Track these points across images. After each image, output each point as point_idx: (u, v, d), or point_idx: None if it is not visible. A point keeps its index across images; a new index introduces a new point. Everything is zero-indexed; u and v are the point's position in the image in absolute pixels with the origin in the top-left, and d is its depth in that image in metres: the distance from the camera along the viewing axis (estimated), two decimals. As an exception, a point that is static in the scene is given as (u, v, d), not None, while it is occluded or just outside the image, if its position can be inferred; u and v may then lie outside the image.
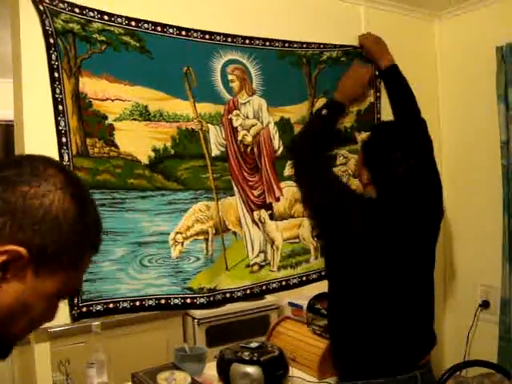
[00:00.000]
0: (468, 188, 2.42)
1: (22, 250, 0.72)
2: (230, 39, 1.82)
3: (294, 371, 1.89)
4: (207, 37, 1.77)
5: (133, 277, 1.61)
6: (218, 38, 1.79)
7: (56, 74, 1.49)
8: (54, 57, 1.48)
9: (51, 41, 1.47)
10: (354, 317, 1.70)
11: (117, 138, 1.59)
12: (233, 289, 1.80)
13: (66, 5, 1.50)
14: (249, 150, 1.86)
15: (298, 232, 1.96)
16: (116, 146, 1.59)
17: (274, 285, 1.91)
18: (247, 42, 1.86)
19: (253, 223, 1.86)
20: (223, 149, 1.80)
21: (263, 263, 1.88)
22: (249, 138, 1.86)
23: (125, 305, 1.60)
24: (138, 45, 1.63)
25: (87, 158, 1.55)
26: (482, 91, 2.31)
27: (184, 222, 1.70)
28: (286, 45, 1.94)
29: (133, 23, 1.62)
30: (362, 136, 2.07)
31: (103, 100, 1.57)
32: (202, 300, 1.70)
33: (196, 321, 3.02)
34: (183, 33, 1.72)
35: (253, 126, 1.87)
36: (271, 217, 1.90)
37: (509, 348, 2.18)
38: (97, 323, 1.75)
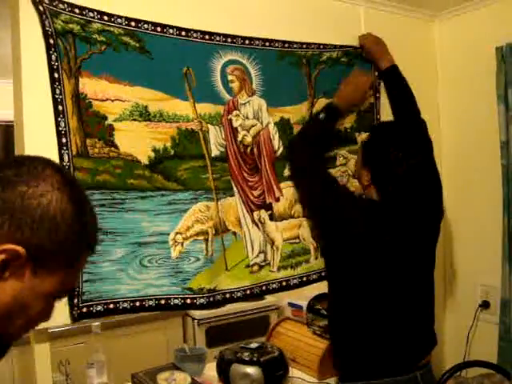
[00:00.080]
0: (468, 188, 2.42)
1: (20, 249, 0.73)
2: (229, 39, 1.82)
3: (293, 372, 1.90)
4: (207, 37, 1.77)
5: (133, 277, 1.61)
6: (217, 38, 1.79)
7: (56, 75, 1.49)
8: (53, 57, 1.48)
9: (51, 41, 1.48)
10: (354, 317, 1.70)
11: (117, 138, 1.59)
12: (233, 289, 1.80)
13: (65, 5, 1.50)
14: (248, 150, 1.86)
15: (298, 232, 1.96)
16: (116, 147, 1.59)
17: (274, 285, 1.91)
18: (247, 42, 1.86)
19: (253, 223, 1.86)
20: (223, 149, 1.80)
21: (263, 263, 1.88)
22: (248, 139, 1.86)
23: (125, 305, 1.60)
24: (137, 45, 1.63)
25: (87, 159, 1.55)
26: (482, 91, 2.31)
27: (184, 222, 1.70)
28: (286, 45, 1.95)
29: (132, 23, 1.62)
30: (362, 136, 2.07)
31: (103, 100, 1.57)
32: (201, 300, 1.70)
33: (196, 321, 3.03)
34: (183, 33, 1.72)
35: (252, 126, 1.87)
36: (271, 217, 1.90)
37: (509, 348, 2.18)
38: (97, 324, 1.75)
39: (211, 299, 1.73)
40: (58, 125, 1.50)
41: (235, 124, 1.83)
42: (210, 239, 1.74)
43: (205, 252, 1.73)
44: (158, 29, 1.67)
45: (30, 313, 0.79)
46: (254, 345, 1.84)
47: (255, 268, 1.86)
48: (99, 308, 1.56)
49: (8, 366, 2.61)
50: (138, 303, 1.62)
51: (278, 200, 1.91)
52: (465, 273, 2.50)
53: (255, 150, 1.88)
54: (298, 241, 1.96)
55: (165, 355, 2.68)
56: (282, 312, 3.09)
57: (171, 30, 1.69)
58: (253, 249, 1.86)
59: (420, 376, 1.66)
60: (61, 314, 1.50)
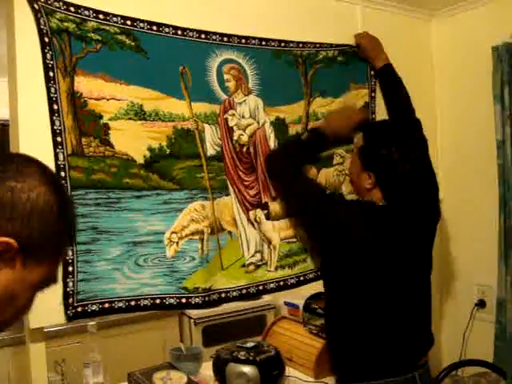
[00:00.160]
0: (464, 188, 2.42)
1: (12, 241, 0.76)
2: (225, 39, 1.81)
3: (290, 371, 1.89)
4: (203, 36, 1.76)
5: (128, 276, 1.60)
6: (213, 37, 1.79)
7: (51, 73, 1.49)
8: (49, 56, 1.48)
9: (46, 40, 1.47)
10: (352, 319, 1.69)
11: (112, 137, 1.59)
12: (228, 289, 1.79)
13: (61, 4, 1.49)
14: (244, 149, 1.86)
15: (295, 231, 1.96)
16: (111, 146, 1.59)
17: (272, 285, 1.91)
18: (243, 41, 1.85)
19: (248, 223, 1.85)
20: (219, 148, 1.80)
21: (260, 263, 1.88)
22: (244, 138, 1.86)
23: (120, 304, 1.59)
24: (133, 44, 1.62)
25: (82, 158, 1.55)
26: (478, 91, 2.32)
27: (179, 221, 1.70)
28: (282, 44, 1.94)
29: (128, 22, 1.62)
30: (358, 136, 2.06)
31: (98, 99, 1.57)
32: (197, 300, 1.70)
33: (192, 320, 3.02)
34: (179, 32, 1.71)
35: (249, 125, 1.87)
36: (267, 216, 1.90)
37: (504, 347, 2.18)
38: (92, 323, 1.75)
39: (206, 299, 1.72)
40: (53, 123, 1.49)
41: (231, 123, 1.82)
42: (205, 239, 1.74)
43: (200, 251, 1.73)
44: (154, 28, 1.67)
45: (19, 303, 0.82)
46: (250, 344, 1.83)
47: (251, 268, 1.86)
48: (94, 307, 1.55)
49: (4, 366, 2.61)
50: (133, 302, 1.61)
51: (274, 199, 1.91)
52: (461, 272, 2.51)
53: (251, 149, 1.88)
54: (294, 240, 1.96)
55: (161, 354, 2.67)
56: (279, 311, 3.09)
57: (167, 29, 1.69)
58: (249, 248, 1.85)
59: (418, 376, 1.66)
60: (56, 313, 1.50)
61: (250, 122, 1.87)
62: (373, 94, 2.18)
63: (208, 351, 2.07)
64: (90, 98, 1.56)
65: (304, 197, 1.76)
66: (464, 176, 2.44)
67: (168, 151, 1.69)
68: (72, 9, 1.52)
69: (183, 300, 1.69)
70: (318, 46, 2.03)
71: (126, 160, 1.61)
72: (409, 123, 1.95)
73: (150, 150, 1.65)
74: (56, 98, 1.49)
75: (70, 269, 1.51)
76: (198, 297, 1.70)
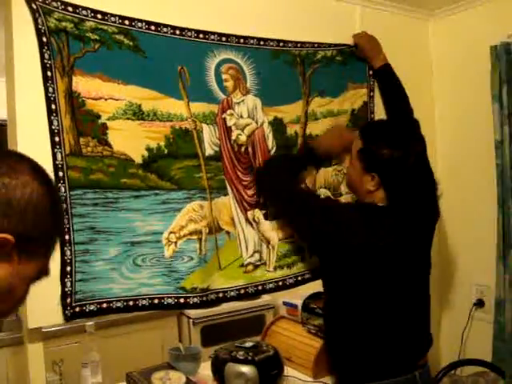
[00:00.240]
0: (463, 187, 2.42)
1: (9, 237, 0.78)
2: (224, 38, 1.81)
3: (289, 371, 1.89)
4: (201, 36, 1.76)
5: (126, 276, 1.60)
6: (212, 37, 1.79)
7: (49, 73, 1.49)
8: (46, 55, 1.48)
9: (44, 39, 1.47)
10: (353, 321, 1.68)
11: (110, 137, 1.59)
12: (226, 288, 1.79)
13: (58, 3, 1.49)
14: (243, 149, 1.86)
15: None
16: (109, 146, 1.59)
17: (271, 285, 1.91)
18: (241, 41, 1.85)
19: (246, 223, 1.85)
20: (217, 148, 1.80)
21: (258, 263, 1.88)
22: (243, 138, 1.86)
23: (118, 304, 1.59)
24: (131, 44, 1.62)
25: (80, 157, 1.54)
26: (477, 90, 2.32)
27: (177, 221, 1.69)
28: (281, 44, 1.94)
29: (126, 22, 1.62)
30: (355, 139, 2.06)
31: (96, 99, 1.57)
32: (195, 300, 1.70)
33: (191, 320, 3.02)
34: (177, 32, 1.71)
35: (247, 125, 1.87)
36: (266, 216, 1.89)
37: (503, 347, 2.18)
38: (91, 323, 1.75)
39: (204, 298, 1.72)
40: (50, 123, 1.49)
41: (229, 123, 1.82)
42: (203, 238, 1.74)
43: (198, 251, 1.73)
44: (152, 27, 1.67)
45: (15, 296, 0.85)
46: (248, 344, 1.83)
47: (250, 268, 1.86)
48: (92, 307, 1.55)
49: (2, 366, 2.61)
50: (131, 302, 1.61)
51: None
52: (460, 272, 2.51)
53: (250, 149, 1.88)
54: (293, 239, 1.95)
55: (160, 355, 2.67)
56: (278, 311, 3.09)
57: (165, 29, 1.69)
58: (247, 248, 1.85)
59: (419, 376, 1.66)
60: (54, 313, 1.50)
61: (248, 121, 1.87)
62: (371, 94, 2.18)
63: (207, 351, 2.07)
64: (88, 98, 1.55)
65: (298, 206, 1.73)
66: (462, 176, 2.44)
67: (166, 151, 1.69)
68: (70, 8, 1.52)
69: (181, 300, 1.69)
70: (316, 45, 2.03)
71: (124, 160, 1.61)
72: (407, 123, 1.94)
73: (148, 149, 1.65)
74: (54, 97, 1.49)
75: (68, 269, 1.51)
76: (196, 297, 1.70)
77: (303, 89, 2.00)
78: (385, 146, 1.63)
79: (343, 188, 2.08)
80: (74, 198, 1.52)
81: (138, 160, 1.63)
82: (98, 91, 1.57)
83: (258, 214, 1.87)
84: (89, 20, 1.55)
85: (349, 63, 2.11)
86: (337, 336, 1.75)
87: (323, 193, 2.05)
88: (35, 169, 0.84)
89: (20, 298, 0.86)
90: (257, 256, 1.87)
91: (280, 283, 1.92)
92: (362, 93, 2.16)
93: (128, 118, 1.62)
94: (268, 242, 1.90)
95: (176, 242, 1.69)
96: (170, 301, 1.67)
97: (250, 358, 1.73)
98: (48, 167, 1.42)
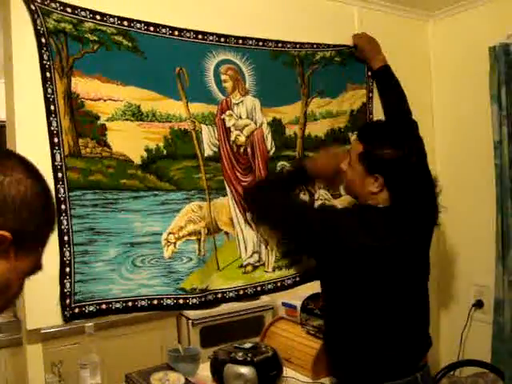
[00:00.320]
0: (461, 188, 2.42)
1: (7, 234, 0.79)
2: (223, 39, 1.81)
3: (287, 371, 1.89)
4: (200, 37, 1.76)
5: (125, 277, 1.60)
6: (210, 38, 1.79)
7: (48, 74, 1.48)
8: (45, 56, 1.48)
9: (43, 40, 1.47)
10: (353, 323, 1.66)
11: (109, 138, 1.59)
12: (225, 289, 1.79)
13: (57, 4, 1.49)
14: (242, 150, 1.86)
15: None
16: (108, 146, 1.59)
17: (270, 286, 1.90)
18: (240, 42, 1.85)
19: (245, 223, 1.85)
20: (216, 149, 1.80)
21: (257, 264, 1.88)
22: (242, 139, 1.86)
23: (117, 305, 1.59)
24: (130, 45, 1.62)
25: (79, 159, 1.54)
26: (476, 91, 2.32)
27: (176, 222, 1.69)
28: (280, 45, 1.94)
29: (125, 23, 1.62)
30: (354, 141, 2.04)
31: (95, 100, 1.57)
32: (194, 300, 1.70)
33: (190, 321, 3.02)
34: (176, 33, 1.71)
35: (246, 126, 1.87)
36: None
37: (502, 347, 2.18)
38: (90, 324, 1.74)
39: (203, 299, 1.72)
40: (49, 124, 1.49)
41: (228, 124, 1.82)
42: (202, 239, 1.74)
43: (197, 252, 1.73)
44: (151, 28, 1.67)
45: (12, 291, 0.87)
46: (247, 345, 1.83)
47: (249, 268, 1.85)
48: (91, 308, 1.55)
49: (1, 368, 2.60)
50: (130, 303, 1.61)
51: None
52: (459, 272, 2.51)
53: (249, 149, 1.88)
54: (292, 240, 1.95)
55: (159, 356, 2.68)
56: (277, 312, 3.09)
57: (164, 30, 1.69)
58: (246, 249, 1.85)
59: (420, 377, 1.66)
60: (53, 314, 1.50)
61: (247, 122, 1.87)
62: (370, 95, 2.18)
63: (206, 352, 2.07)
64: (87, 99, 1.55)
65: (295, 218, 1.70)
66: (461, 176, 2.44)
67: (165, 152, 1.69)
68: (69, 9, 1.52)
69: (180, 301, 1.69)
70: (315, 46, 2.03)
71: (123, 161, 1.61)
72: (405, 124, 1.94)
73: (147, 150, 1.65)
74: (53, 98, 1.49)
75: (68, 270, 1.51)
76: (195, 297, 1.70)
77: (302, 89, 2.01)
78: (386, 146, 1.62)
79: (342, 189, 2.07)
80: (73, 199, 1.52)
81: (137, 161, 1.63)
82: (96, 92, 1.57)
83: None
84: (88, 21, 1.55)
85: (348, 64, 2.11)
86: (337, 338, 1.74)
87: (322, 194, 2.05)
88: (26, 165, 0.86)
89: (15, 293, 0.88)
90: (256, 257, 1.87)
91: (279, 284, 1.92)
92: (361, 94, 2.16)
93: (127, 119, 1.62)
94: (267, 243, 1.90)
95: (175, 243, 1.69)
96: (169, 301, 1.67)
97: (248, 358, 1.73)
98: (47, 168, 1.46)
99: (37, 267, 0.90)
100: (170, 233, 1.68)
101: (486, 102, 2.22)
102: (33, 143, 1.48)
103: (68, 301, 1.51)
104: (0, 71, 1.58)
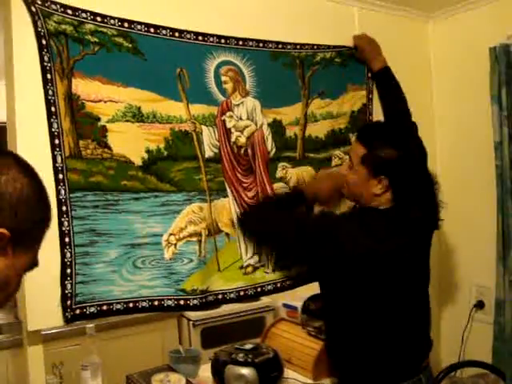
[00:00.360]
0: (462, 189, 2.42)
1: (5, 231, 0.81)
2: (223, 40, 1.82)
3: (288, 373, 1.90)
4: (200, 38, 1.76)
5: (126, 278, 1.60)
6: (211, 39, 1.79)
7: (48, 76, 1.49)
8: (46, 58, 1.48)
9: (43, 42, 1.47)
10: (356, 326, 1.65)
11: (110, 139, 1.59)
12: (225, 290, 1.79)
13: (58, 6, 1.50)
14: (242, 151, 1.86)
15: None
16: (109, 148, 1.59)
17: (270, 286, 1.90)
18: (240, 43, 1.86)
19: (246, 224, 1.85)
20: (216, 150, 1.80)
21: (258, 265, 1.88)
22: (242, 140, 1.86)
23: (118, 306, 1.59)
24: (130, 46, 1.63)
25: (80, 160, 1.54)
26: (476, 92, 2.32)
27: (177, 223, 1.69)
28: (280, 46, 1.95)
29: (126, 24, 1.62)
30: (354, 144, 2.03)
31: (96, 101, 1.57)
32: (195, 301, 1.70)
33: (191, 322, 3.02)
34: (176, 34, 1.72)
35: (246, 127, 1.87)
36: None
37: (503, 348, 2.18)
38: (91, 325, 1.74)
39: (204, 300, 1.72)
40: (50, 126, 1.49)
41: (229, 125, 1.82)
42: (203, 240, 1.74)
43: (198, 253, 1.73)
44: (151, 30, 1.67)
45: (10, 288, 0.89)
46: (248, 346, 1.83)
47: (249, 269, 1.85)
48: (92, 309, 1.55)
49: (2, 369, 2.61)
50: (131, 304, 1.61)
51: (271, 201, 1.90)
52: (459, 273, 2.51)
53: (249, 150, 1.88)
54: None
55: (160, 357, 2.67)
56: (278, 313, 3.09)
57: (164, 31, 1.69)
58: (246, 250, 1.85)
59: (424, 378, 1.65)
60: (54, 315, 1.50)
61: (247, 123, 1.88)
62: (370, 96, 2.18)
63: (207, 353, 2.08)
64: (88, 101, 1.56)
65: (292, 229, 1.68)
66: (462, 177, 2.44)
67: (166, 153, 1.69)
68: (69, 11, 1.52)
69: (181, 302, 1.69)
70: (315, 47, 2.03)
71: (124, 162, 1.61)
72: (405, 125, 1.94)
73: (148, 151, 1.65)
74: (53, 100, 1.49)
75: (68, 271, 1.51)
76: (195, 298, 1.70)
77: (302, 90, 2.01)
78: (389, 147, 1.61)
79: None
80: (73, 201, 1.52)
81: (138, 162, 1.63)
82: (97, 93, 1.57)
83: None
84: (88, 23, 1.55)
85: (348, 65, 2.12)
86: (339, 340, 1.73)
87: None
88: (21, 164, 0.87)
89: (13, 289, 0.90)
90: (256, 258, 1.87)
91: (279, 285, 1.92)
92: (361, 95, 2.16)
93: (127, 121, 1.62)
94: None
95: (176, 244, 1.69)
96: (169, 303, 1.67)
97: (249, 360, 1.73)
98: (48, 170, 1.46)
99: (34, 263, 0.92)
100: (170, 234, 1.68)
101: (487, 102, 2.22)
102: (33, 145, 1.48)
103: (69, 302, 1.51)
104: (1, 73, 1.58)
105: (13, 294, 0.91)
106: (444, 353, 2.55)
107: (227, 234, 1.82)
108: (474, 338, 2.40)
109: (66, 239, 1.50)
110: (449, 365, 2.21)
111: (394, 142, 1.63)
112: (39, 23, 1.46)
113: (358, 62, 2.14)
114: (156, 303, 1.65)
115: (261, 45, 1.90)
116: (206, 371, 1.87)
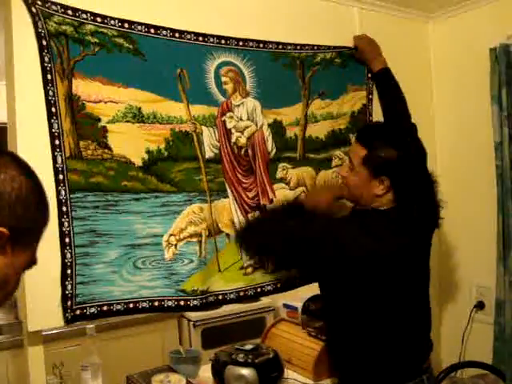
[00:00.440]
0: (462, 189, 2.42)
1: (4, 230, 0.82)
2: (223, 41, 1.82)
3: (289, 373, 1.89)
4: (200, 39, 1.77)
5: (126, 279, 1.60)
6: (211, 39, 1.79)
7: (49, 76, 1.49)
8: (46, 59, 1.48)
9: (44, 43, 1.47)
10: (357, 328, 1.65)
11: (110, 140, 1.59)
12: (225, 291, 1.79)
13: (58, 7, 1.50)
14: (242, 151, 1.86)
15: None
16: (109, 148, 1.59)
17: (269, 287, 1.91)
18: (241, 43, 1.86)
19: (246, 224, 1.85)
20: (217, 151, 1.80)
21: (257, 265, 1.88)
22: (243, 140, 1.86)
23: (118, 307, 1.59)
24: (131, 47, 1.63)
25: (80, 161, 1.55)
26: (476, 92, 2.32)
27: (177, 224, 1.70)
28: (280, 46, 1.95)
29: (126, 25, 1.62)
30: (354, 145, 2.03)
31: (96, 102, 1.57)
32: (195, 302, 1.70)
33: (192, 323, 3.01)
34: (176, 35, 1.72)
35: (247, 127, 1.87)
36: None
37: (503, 348, 2.18)
38: (91, 326, 1.75)
39: (204, 301, 1.72)
40: (51, 126, 1.49)
41: (229, 125, 1.83)
42: (203, 241, 1.74)
43: (198, 254, 1.73)
44: (152, 30, 1.67)
45: (10, 286, 0.89)
46: (248, 346, 1.83)
47: (249, 270, 1.86)
48: (93, 310, 1.55)
49: (2, 369, 2.60)
50: (131, 305, 1.61)
51: (271, 202, 1.91)
52: (460, 274, 2.51)
53: (250, 151, 1.88)
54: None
55: (160, 357, 2.67)
56: (278, 313, 3.09)
57: (164, 32, 1.69)
58: (247, 250, 1.85)
59: (426, 379, 1.65)
60: (54, 316, 1.50)
61: (247, 124, 1.88)
62: (370, 96, 2.18)
63: (207, 353, 2.07)
64: (88, 101, 1.56)
65: (292, 235, 1.65)
66: (462, 177, 2.44)
67: (166, 154, 1.69)
68: (70, 12, 1.52)
69: (181, 302, 1.69)
70: (315, 48, 2.03)
71: (124, 163, 1.61)
72: (404, 126, 1.94)
73: (148, 152, 1.65)
74: (54, 100, 1.49)
75: (69, 271, 1.51)
76: (196, 299, 1.70)
77: (303, 91, 2.01)
78: (390, 147, 1.61)
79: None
80: (74, 201, 1.52)
81: (138, 163, 1.63)
82: (97, 94, 1.57)
83: (258, 216, 1.87)
84: (88, 23, 1.55)
85: (348, 65, 2.12)
86: (340, 341, 1.73)
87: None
88: (18, 163, 0.88)
89: (12, 288, 0.90)
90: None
91: (279, 285, 1.92)
92: (362, 95, 2.16)
93: (128, 121, 1.62)
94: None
95: (176, 245, 1.69)
96: (170, 303, 1.67)
97: (250, 360, 1.73)
98: (48, 170, 1.46)
99: (32, 262, 0.93)
100: (170, 234, 1.68)
101: (487, 102, 2.22)
102: (34, 145, 1.48)
103: (69, 302, 1.51)
104: (1, 73, 1.58)
105: (12, 292, 0.92)
106: (444, 353, 2.55)
107: (227, 235, 1.82)
108: (475, 339, 2.40)
109: (67, 240, 1.51)
110: (449, 365, 2.21)
111: (394, 142, 1.62)
112: (39, 24, 1.46)
113: (358, 63, 2.14)
114: (156, 304, 1.65)
115: (261, 45, 1.90)
116: (206, 372, 1.87)
